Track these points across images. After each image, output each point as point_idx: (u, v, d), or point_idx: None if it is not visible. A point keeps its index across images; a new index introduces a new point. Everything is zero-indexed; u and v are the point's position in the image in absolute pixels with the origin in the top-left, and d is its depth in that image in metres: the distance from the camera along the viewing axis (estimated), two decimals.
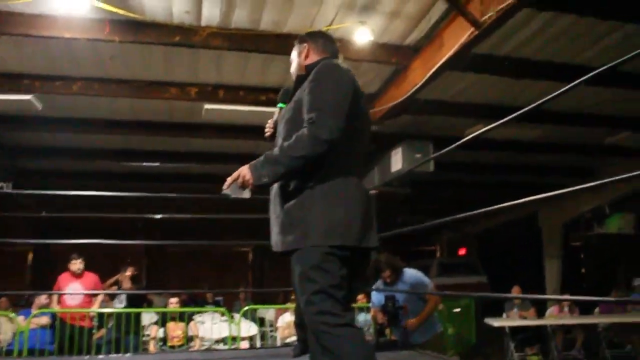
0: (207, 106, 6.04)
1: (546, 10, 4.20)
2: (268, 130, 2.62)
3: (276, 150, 2.16)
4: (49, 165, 8.71)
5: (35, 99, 5.50)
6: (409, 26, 4.75)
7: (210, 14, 4.50)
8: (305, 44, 2.49)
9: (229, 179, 2.18)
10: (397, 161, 6.97)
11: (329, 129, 2.08)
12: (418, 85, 4.99)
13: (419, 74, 4.98)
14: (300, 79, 2.37)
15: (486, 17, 3.78)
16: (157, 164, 8.56)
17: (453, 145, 4.07)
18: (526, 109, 3.02)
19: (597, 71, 2.49)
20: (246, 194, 2.21)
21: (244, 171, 2.15)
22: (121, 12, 4.24)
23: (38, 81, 5.47)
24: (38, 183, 8.67)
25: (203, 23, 4.63)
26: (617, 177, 2.08)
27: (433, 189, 9.84)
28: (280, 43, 4.69)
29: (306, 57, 2.46)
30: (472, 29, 3.96)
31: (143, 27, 4.55)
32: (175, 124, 7.07)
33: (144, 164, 8.55)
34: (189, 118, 6.87)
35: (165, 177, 9.50)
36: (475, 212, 3.77)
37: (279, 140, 2.33)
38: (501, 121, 3.38)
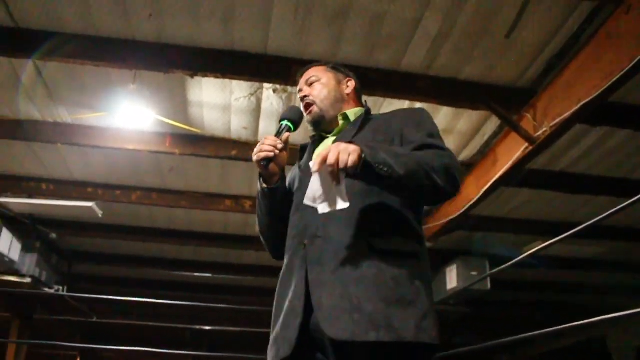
0: None
1: (600, 125, 4.15)
2: (270, 150, 1.70)
3: (396, 149, 1.59)
4: (103, 271, 8.87)
5: (97, 206, 5.70)
6: (462, 142, 4.77)
7: (267, 130, 4.66)
8: (350, 79, 2.01)
9: (319, 160, 1.42)
10: (452, 279, 6.76)
11: (461, 181, 1.63)
12: (472, 201, 4.91)
13: (473, 190, 4.92)
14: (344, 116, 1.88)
15: (540, 132, 3.75)
16: (209, 274, 8.58)
17: (509, 263, 3.93)
18: (584, 225, 2.92)
19: None
20: (338, 200, 1.46)
21: (338, 147, 1.40)
22: (182, 126, 4.46)
23: (101, 189, 5.71)
24: (91, 288, 8.80)
25: (259, 138, 4.79)
26: None
27: (490, 308, 9.43)
28: None
29: (349, 94, 1.98)
30: (526, 144, 3.93)
31: (202, 141, 4.75)
32: (229, 235, 7.15)
33: (196, 274, 8.59)
34: (242, 230, 6.95)
35: (216, 288, 9.49)
36: (535, 333, 3.55)
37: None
38: (559, 238, 3.27)
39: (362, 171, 1.41)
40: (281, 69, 3.72)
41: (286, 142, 1.78)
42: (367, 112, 1.90)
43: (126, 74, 3.89)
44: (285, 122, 1.80)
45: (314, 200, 1.49)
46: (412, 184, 1.49)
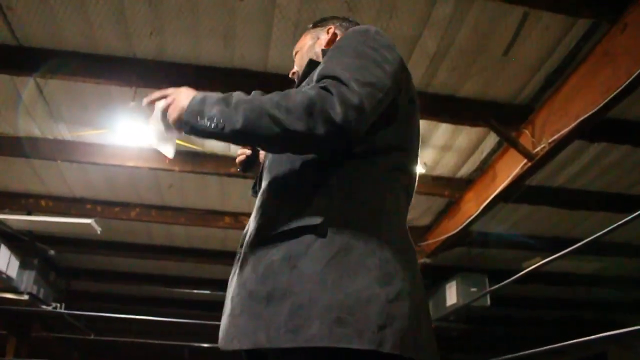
0: None
1: (599, 141, 4.17)
2: (241, 153, 1.68)
3: (255, 94, 1.25)
4: (101, 288, 8.83)
5: (96, 223, 5.70)
6: (461, 159, 4.79)
7: None
8: (330, 26, 1.67)
9: (154, 97, 1.37)
10: (451, 295, 6.73)
11: (359, 95, 1.16)
12: (472, 217, 4.91)
13: (472, 206, 4.93)
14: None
15: (538, 148, 3.77)
16: (207, 291, 8.55)
17: (510, 279, 3.93)
18: (585, 241, 2.92)
19: None
20: (166, 146, 1.37)
21: (177, 94, 1.30)
22: (183, 143, 4.47)
23: (100, 206, 5.71)
24: (90, 305, 8.76)
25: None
26: None
27: (490, 325, 9.39)
28: None
29: (331, 42, 1.62)
30: (525, 160, 3.94)
31: (202, 158, 4.76)
32: (228, 252, 7.13)
33: (195, 291, 8.56)
34: None
35: (215, 305, 9.41)
36: (535, 350, 3.54)
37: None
38: (559, 254, 3.27)
39: (186, 128, 1.25)
40: (281, 87, 3.72)
41: None
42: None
43: (126, 91, 3.90)
44: None
45: (151, 141, 1.39)
46: (253, 136, 1.18)
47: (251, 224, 1.35)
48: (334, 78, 1.20)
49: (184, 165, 4.76)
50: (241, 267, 1.28)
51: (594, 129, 3.71)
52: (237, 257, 1.37)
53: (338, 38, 1.61)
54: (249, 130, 1.16)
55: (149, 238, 6.75)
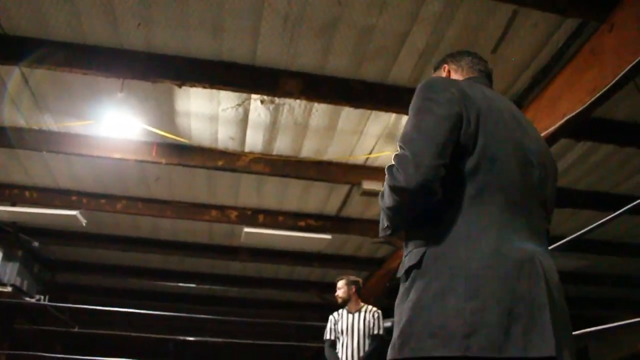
0: (247, 229, 6.09)
1: (584, 140, 4.21)
2: None
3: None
4: (86, 280, 8.79)
5: (81, 215, 5.66)
6: None
7: (254, 141, 4.67)
8: (445, 65, 1.85)
9: None
10: None
11: (413, 152, 1.42)
12: None
13: None
14: None
15: None
16: (193, 285, 8.53)
17: None
18: (568, 238, 2.95)
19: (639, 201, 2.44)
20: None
21: None
22: (169, 135, 4.45)
23: (85, 198, 5.67)
24: (74, 298, 8.71)
25: (246, 149, 4.79)
26: None
27: None
28: (320, 170, 4.81)
29: None
30: None
31: (188, 150, 4.74)
32: (214, 245, 7.13)
33: (180, 284, 8.53)
34: (228, 241, 6.93)
35: (200, 299, 9.43)
36: None
37: None
38: None
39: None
40: (269, 80, 3.73)
41: None
42: None
43: (114, 83, 3.88)
44: None
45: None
46: (393, 221, 1.54)
47: None
48: (399, 148, 1.49)
49: (171, 157, 4.74)
50: None
51: (580, 128, 3.74)
52: None
53: (452, 74, 1.84)
54: (391, 223, 1.54)
55: (134, 231, 6.72)
